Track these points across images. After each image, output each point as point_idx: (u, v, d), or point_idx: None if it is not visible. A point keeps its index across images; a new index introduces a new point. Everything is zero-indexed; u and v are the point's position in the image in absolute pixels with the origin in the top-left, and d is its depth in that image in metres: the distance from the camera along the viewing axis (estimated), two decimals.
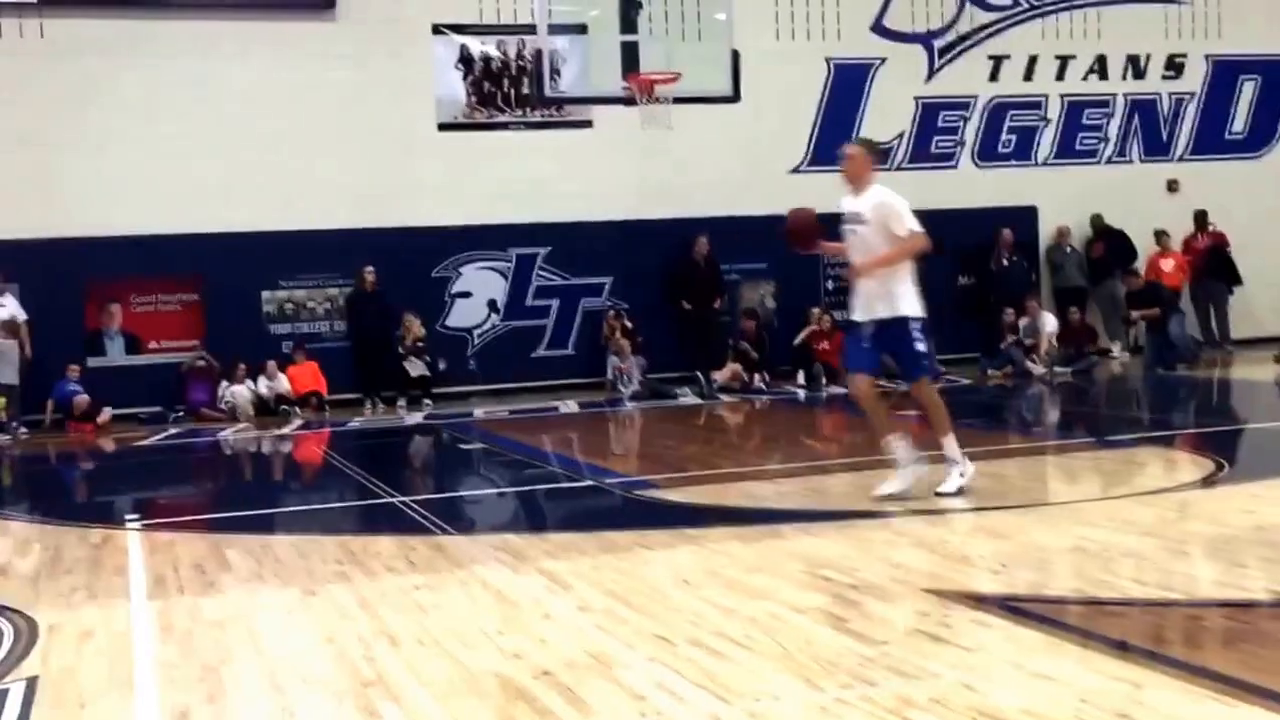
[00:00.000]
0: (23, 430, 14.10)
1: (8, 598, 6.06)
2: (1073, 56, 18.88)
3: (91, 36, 15.29)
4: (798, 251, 8.41)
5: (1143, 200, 18.71)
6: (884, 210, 7.77)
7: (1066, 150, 18.96)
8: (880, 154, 8.30)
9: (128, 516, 8.60)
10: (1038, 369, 16.21)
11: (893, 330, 7.64)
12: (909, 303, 7.68)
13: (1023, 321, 16.76)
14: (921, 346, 7.71)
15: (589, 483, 9.72)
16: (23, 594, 6.16)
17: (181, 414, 15.05)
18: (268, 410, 15.14)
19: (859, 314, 7.80)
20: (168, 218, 15.30)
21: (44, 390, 14.59)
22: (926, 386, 7.87)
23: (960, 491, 7.52)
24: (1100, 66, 19.04)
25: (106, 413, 14.60)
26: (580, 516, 8.40)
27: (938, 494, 7.51)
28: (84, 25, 15.31)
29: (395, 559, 6.58)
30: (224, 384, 15.27)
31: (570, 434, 13.46)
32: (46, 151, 15.05)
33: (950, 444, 7.68)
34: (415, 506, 8.50)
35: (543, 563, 6.29)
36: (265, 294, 15.89)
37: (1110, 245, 18.28)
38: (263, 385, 15.34)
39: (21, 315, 14.45)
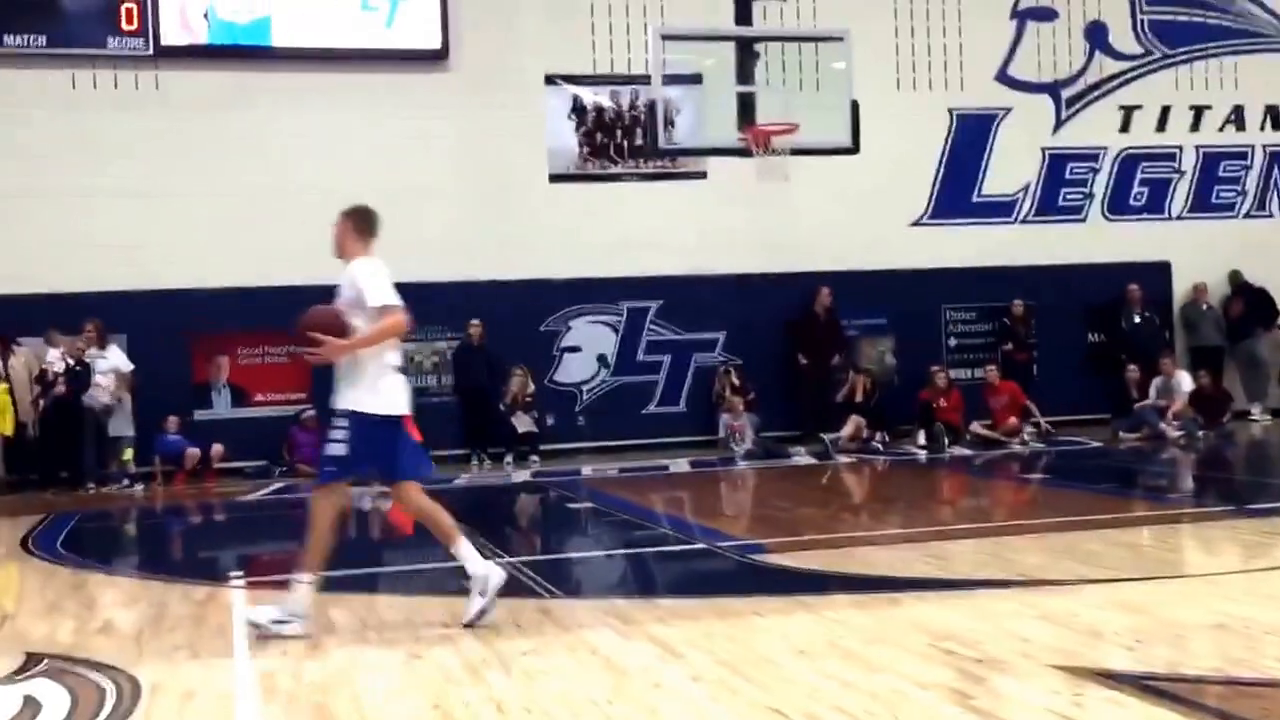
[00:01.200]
0: (130, 484, 14.24)
1: (111, 655, 6.02)
2: (1208, 106, 18.31)
3: (205, 89, 15.58)
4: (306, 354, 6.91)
5: None
6: (355, 284, 6.82)
7: (1202, 204, 18.33)
8: (367, 221, 7.29)
9: (231, 573, 8.58)
10: (1172, 431, 15.47)
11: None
12: (353, 395, 6.60)
13: (1156, 381, 16.06)
14: (337, 449, 6.50)
15: (700, 545, 9.40)
16: (126, 652, 6.11)
17: (286, 468, 15.07)
18: None
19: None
20: (277, 270, 15.41)
21: (146, 443, 14.66)
22: (329, 495, 6.62)
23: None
24: (1237, 117, 18.43)
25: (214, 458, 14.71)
26: (691, 580, 8.15)
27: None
28: (198, 77, 15.60)
29: (502, 622, 6.38)
30: None
31: (681, 494, 13.17)
32: (158, 202, 15.28)
33: (300, 586, 6.31)
34: (522, 567, 8.28)
35: (653, 629, 6.09)
36: None
37: (1249, 303, 17.64)
38: None
39: (127, 365, 14.62)
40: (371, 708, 5.04)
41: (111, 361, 14.42)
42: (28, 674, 5.75)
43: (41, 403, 14.37)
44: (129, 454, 14.44)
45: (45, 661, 5.95)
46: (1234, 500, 10.90)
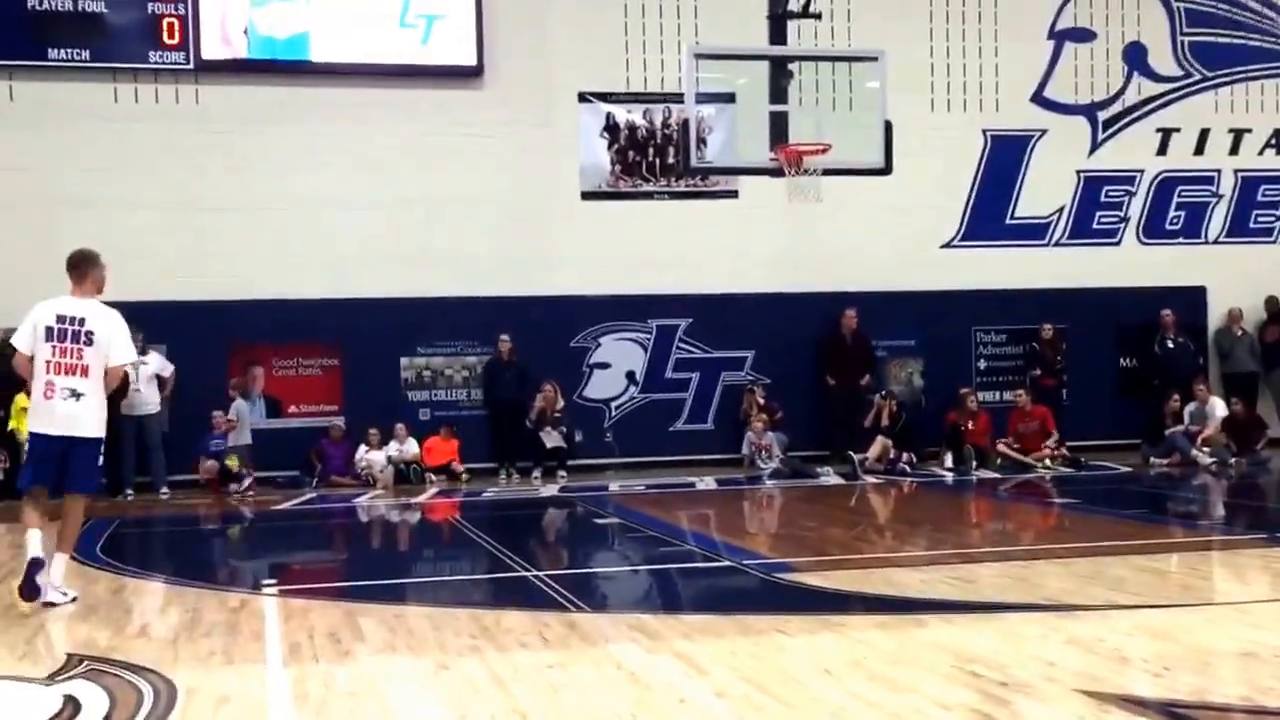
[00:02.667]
0: (164, 492, 14.37)
1: (148, 659, 6.10)
2: (1248, 130, 18.18)
3: (243, 103, 15.74)
4: None
5: None
6: None
7: (1239, 228, 18.19)
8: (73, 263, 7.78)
9: (265, 581, 8.67)
10: (1204, 458, 15.35)
11: None
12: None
13: (1189, 407, 15.94)
14: None
15: (726, 563, 9.40)
16: (162, 656, 6.19)
17: (318, 479, 15.16)
18: (404, 478, 15.16)
19: None
20: (311, 283, 15.57)
21: (185, 451, 14.74)
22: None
23: None
24: (1278, 141, 18.28)
25: (248, 480, 14.71)
26: (717, 598, 8.13)
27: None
28: (236, 92, 15.78)
29: (528, 634, 6.42)
30: (362, 449, 15.34)
31: (707, 511, 13.16)
32: (196, 215, 15.45)
33: None
34: (549, 581, 8.31)
35: (678, 644, 6.10)
36: (404, 360, 15.98)
37: None
38: (392, 448, 15.38)
39: (168, 368, 14.78)
40: (400, 717, 5.11)
41: (152, 368, 14.59)
42: (68, 675, 5.84)
43: None
44: (235, 460, 14.70)
45: (85, 663, 6.03)
46: (1265, 528, 10.79)
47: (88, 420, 7.53)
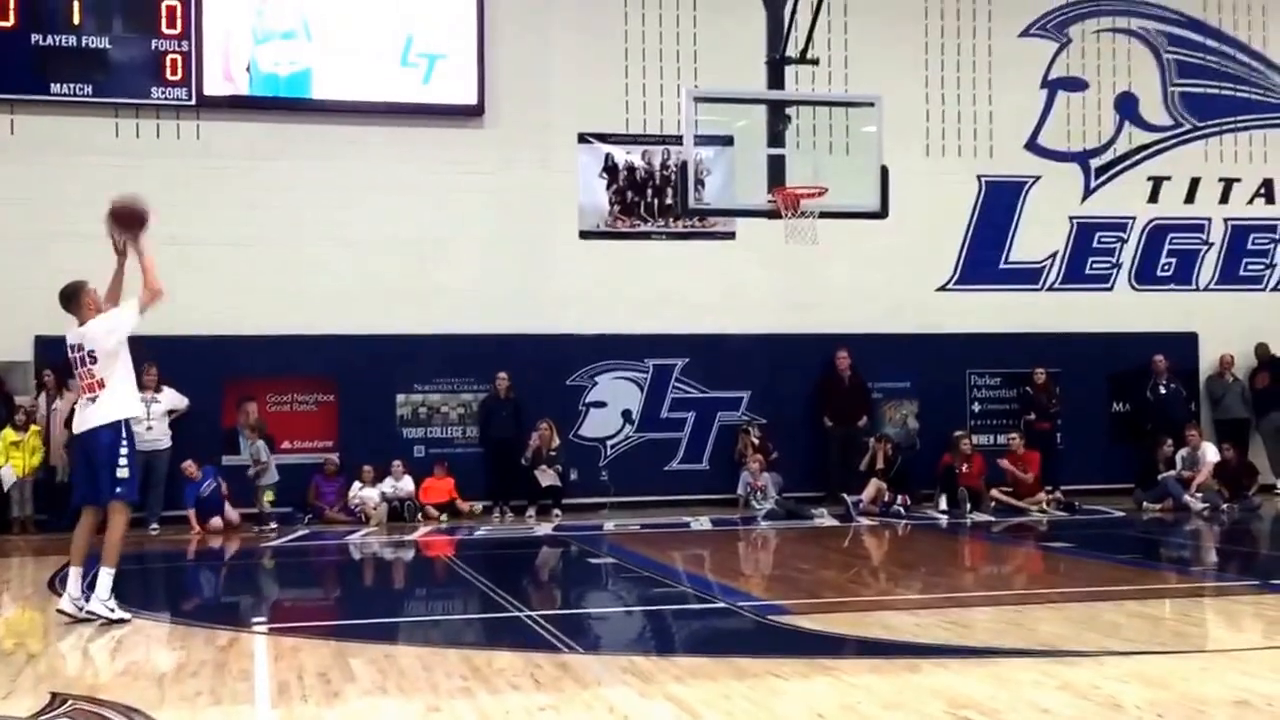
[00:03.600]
0: (153, 527, 14.31)
1: (134, 698, 6.05)
2: (1238, 179, 18.38)
3: (244, 139, 15.82)
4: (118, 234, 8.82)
5: None
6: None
7: (1230, 276, 18.33)
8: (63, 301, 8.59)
9: (254, 619, 8.63)
10: (1196, 503, 15.38)
11: None
12: None
13: (1182, 452, 15.98)
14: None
15: (720, 604, 9.39)
16: (148, 695, 6.15)
17: (311, 516, 15.12)
18: (397, 515, 15.13)
19: None
20: (308, 318, 15.59)
21: (172, 484, 14.67)
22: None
23: None
24: (1267, 190, 18.49)
25: (215, 521, 14.50)
26: (711, 640, 8.12)
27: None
28: (239, 128, 15.86)
29: (520, 676, 6.40)
30: (355, 486, 15.32)
31: (702, 552, 13.15)
32: (195, 249, 15.37)
33: None
34: (541, 621, 8.31)
35: (671, 687, 6.08)
36: (400, 397, 15.98)
37: (1275, 376, 17.53)
38: (387, 484, 15.36)
39: (182, 402, 14.79)
40: None
41: (165, 405, 14.59)
42: (51, 713, 5.80)
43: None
44: (270, 495, 14.72)
45: (69, 702, 5.98)
46: (1257, 575, 10.80)
47: (96, 414, 8.24)
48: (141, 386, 14.23)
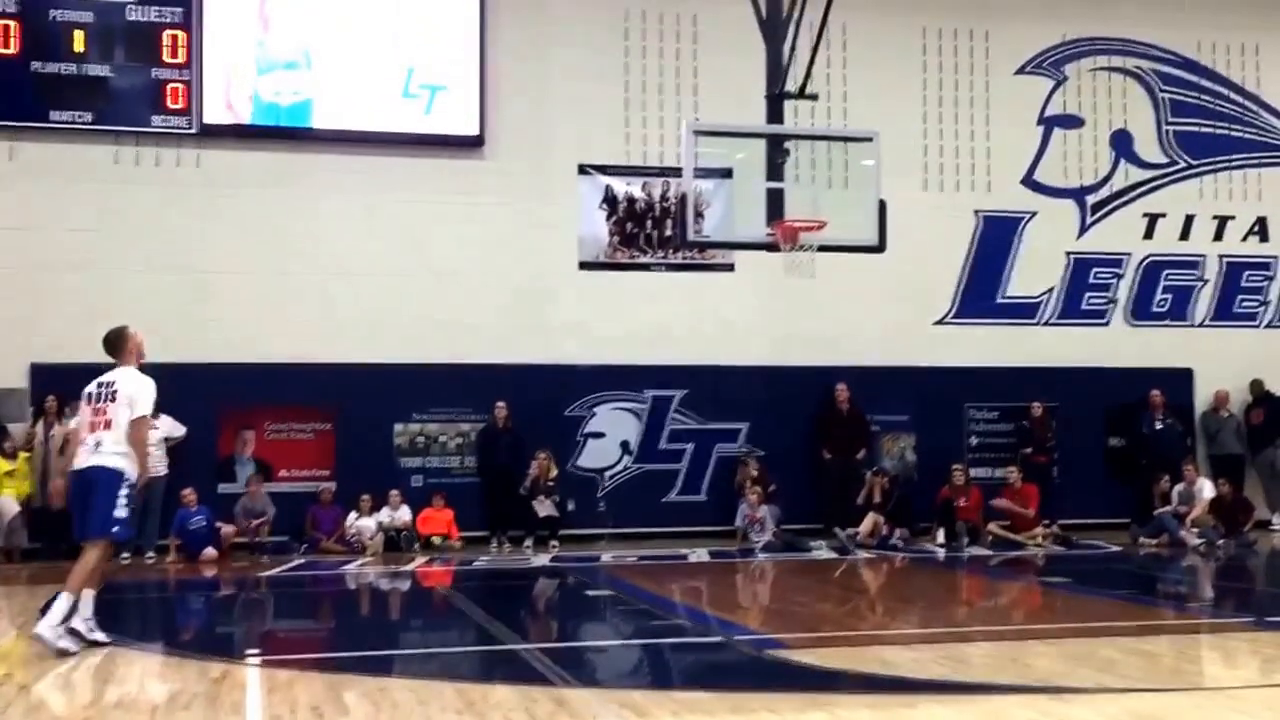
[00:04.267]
0: (149, 555, 14.26)
1: None
2: (1232, 217, 18.50)
3: (243, 168, 15.86)
4: None
5: None
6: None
7: (1224, 312, 18.41)
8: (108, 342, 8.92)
9: (248, 651, 8.56)
10: (1192, 539, 15.37)
11: None
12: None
13: (1178, 488, 15.99)
14: None
15: (718, 638, 9.37)
16: None
17: (307, 545, 15.07)
18: (394, 545, 15.09)
19: None
20: (306, 346, 15.58)
21: (166, 510, 14.63)
22: None
23: None
24: (1261, 228, 18.59)
25: (210, 552, 14.45)
26: (708, 674, 8.07)
27: None
28: (239, 157, 15.91)
29: (515, 710, 6.34)
30: (352, 516, 15.28)
31: (699, 584, 13.12)
32: (194, 278, 15.48)
33: None
34: (538, 654, 8.27)
35: None
36: (398, 426, 15.96)
37: (1270, 412, 17.57)
38: (384, 514, 15.32)
39: (179, 429, 14.76)
40: None
41: (161, 432, 14.57)
42: None
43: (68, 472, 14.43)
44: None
45: None
46: (1253, 611, 10.74)
47: (107, 455, 8.34)
48: None
